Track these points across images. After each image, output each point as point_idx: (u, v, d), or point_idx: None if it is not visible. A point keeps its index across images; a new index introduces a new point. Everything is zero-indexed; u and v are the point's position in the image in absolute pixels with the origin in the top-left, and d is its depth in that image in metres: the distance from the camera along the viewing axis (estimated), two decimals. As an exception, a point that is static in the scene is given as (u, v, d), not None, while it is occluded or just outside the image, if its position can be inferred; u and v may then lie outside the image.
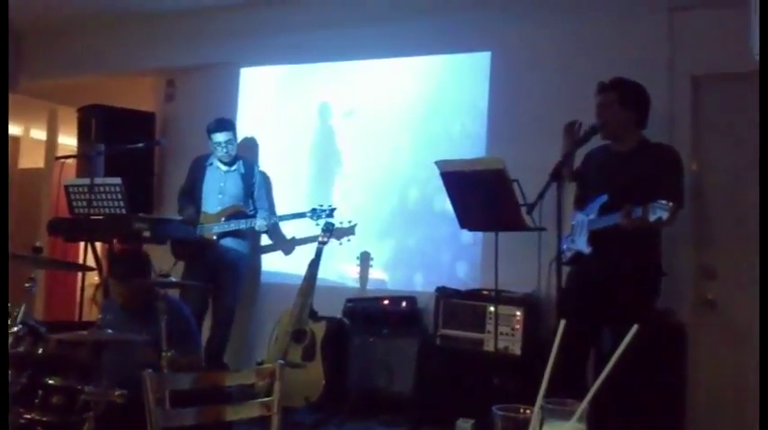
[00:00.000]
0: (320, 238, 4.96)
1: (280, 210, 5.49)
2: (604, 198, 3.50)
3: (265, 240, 5.65)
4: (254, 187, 5.31)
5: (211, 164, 5.33)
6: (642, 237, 3.42)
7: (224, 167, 5.30)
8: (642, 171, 3.50)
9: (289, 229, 5.51)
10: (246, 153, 5.58)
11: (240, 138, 5.54)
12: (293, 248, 5.48)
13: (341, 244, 5.04)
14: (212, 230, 5.13)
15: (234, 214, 5.18)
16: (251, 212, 5.24)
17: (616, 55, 4.43)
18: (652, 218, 3.08)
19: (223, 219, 5.17)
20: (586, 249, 3.55)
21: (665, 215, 3.06)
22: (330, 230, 4.96)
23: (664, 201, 3.07)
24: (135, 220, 4.78)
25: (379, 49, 5.40)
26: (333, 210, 5.05)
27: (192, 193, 5.33)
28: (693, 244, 4.30)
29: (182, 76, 6.32)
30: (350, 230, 5.04)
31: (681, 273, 4.16)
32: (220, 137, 5.22)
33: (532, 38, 4.90)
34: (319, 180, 5.64)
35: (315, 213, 5.06)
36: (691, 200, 3.95)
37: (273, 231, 5.48)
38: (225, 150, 5.23)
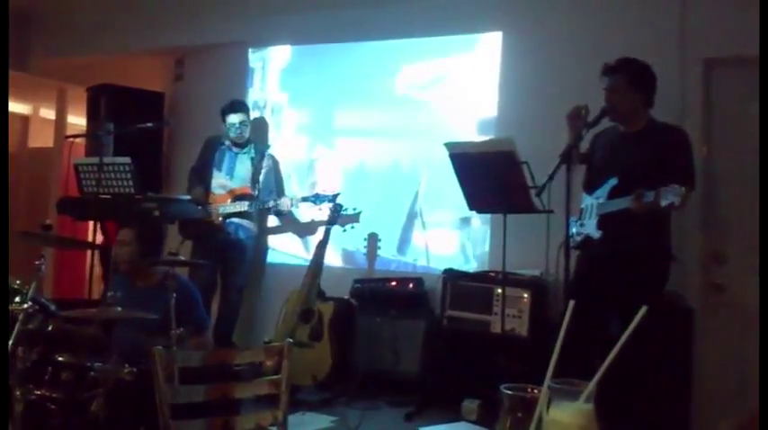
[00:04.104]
0: (328, 218, 4.98)
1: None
2: (614, 181, 3.49)
3: (272, 221, 5.67)
4: (262, 171, 5.31)
5: (223, 145, 5.35)
6: (652, 222, 3.41)
7: (235, 149, 5.32)
8: (652, 152, 3.48)
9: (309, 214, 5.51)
10: (257, 134, 5.58)
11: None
12: (311, 232, 5.47)
13: (344, 230, 5.04)
14: (219, 211, 5.15)
15: (241, 196, 5.19)
16: (257, 195, 5.24)
17: (628, 37, 4.39)
18: (664, 203, 3.06)
19: (230, 200, 5.18)
20: (596, 233, 3.54)
21: (677, 200, 3.04)
22: (338, 212, 4.97)
23: (676, 186, 3.05)
24: (144, 200, 4.79)
25: (390, 30, 5.36)
26: (336, 195, 5.03)
27: (202, 173, 5.34)
28: (702, 228, 4.28)
29: (191, 55, 6.31)
30: (354, 217, 5.03)
31: (690, 258, 4.14)
32: (234, 118, 5.24)
33: (544, 19, 4.87)
34: (327, 166, 5.64)
35: (318, 198, 5.06)
36: (700, 184, 3.93)
37: (284, 214, 5.49)
38: (239, 132, 5.25)
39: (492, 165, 3.74)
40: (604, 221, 3.52)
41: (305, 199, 5.13)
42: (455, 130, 5.02)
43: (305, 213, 5.43)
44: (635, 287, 3.34)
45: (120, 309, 3.04)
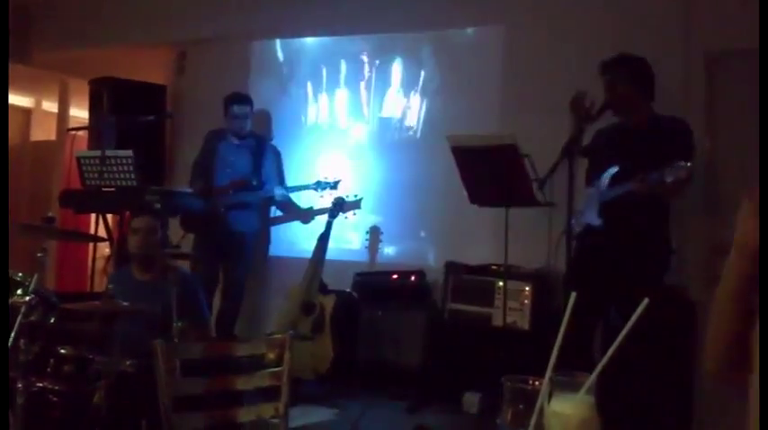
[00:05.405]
0: (330, 212, 4.99)
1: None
2: (615, 169, 3.48)
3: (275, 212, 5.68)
4: (263, 161, 5.31)
5: (224, 138, 5.35)
6: (652, 211, 3.42)
7: (236, 141, 5.31)
8: (655, 144, 3.47)
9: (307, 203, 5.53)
10: (259, 126, 5.58)
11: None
12: (312, 217, 5.49)
13: (346, 217, 5.06)
14: (220, 202, 5.15)
15: (242, 187, 5.19)
16: (258, 185, 5.24)
17: (630, 30, 4.38)
18: (669, 179, 3.05)
19: (231, 191, 5.18)
20: (596, 221, 3.54)
21: (683, 173, 3.03)
22: (340, 204, 4.98)
23: (681, 162, 3.04)
24: (146, 192, 4.80)
25: (392, 23, 5.35)
26: (337, 182, 5.06)
27: (204, 167, 5.34)
28: (705, 221, 4.27)
29: (193, 48, 6.30)
30: (355, 204, 5.06)
31: (692, 251, 4.14)
32: (238, 110, 5.24)
33: (546, 12, 4.85)
34: (329, 155, 5.64)
35: (319, 185, 5.07)
36: (703, 177, 3.92)
37: (285, 203, 5.50)
38: (241, 124, 5.25)
39: (494, 158, 3.74)
40: (606, 209, 3.52)
41: (306, 186, 5.14)
42: (458, 122, 5.01)
43: (306, 202, 5.46)
44: (635, 276, 3.34)
45: (122, 302, 3.04)
